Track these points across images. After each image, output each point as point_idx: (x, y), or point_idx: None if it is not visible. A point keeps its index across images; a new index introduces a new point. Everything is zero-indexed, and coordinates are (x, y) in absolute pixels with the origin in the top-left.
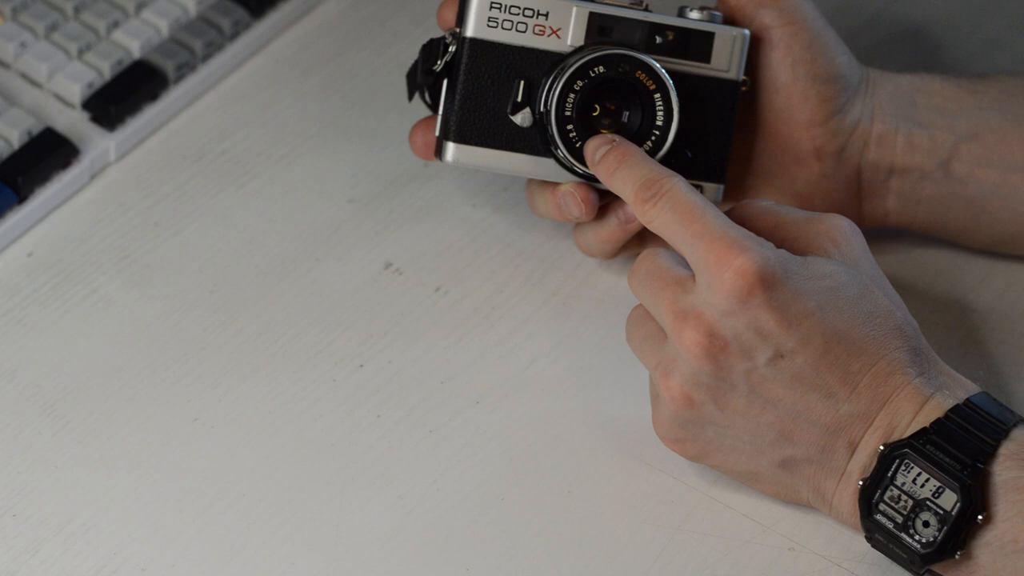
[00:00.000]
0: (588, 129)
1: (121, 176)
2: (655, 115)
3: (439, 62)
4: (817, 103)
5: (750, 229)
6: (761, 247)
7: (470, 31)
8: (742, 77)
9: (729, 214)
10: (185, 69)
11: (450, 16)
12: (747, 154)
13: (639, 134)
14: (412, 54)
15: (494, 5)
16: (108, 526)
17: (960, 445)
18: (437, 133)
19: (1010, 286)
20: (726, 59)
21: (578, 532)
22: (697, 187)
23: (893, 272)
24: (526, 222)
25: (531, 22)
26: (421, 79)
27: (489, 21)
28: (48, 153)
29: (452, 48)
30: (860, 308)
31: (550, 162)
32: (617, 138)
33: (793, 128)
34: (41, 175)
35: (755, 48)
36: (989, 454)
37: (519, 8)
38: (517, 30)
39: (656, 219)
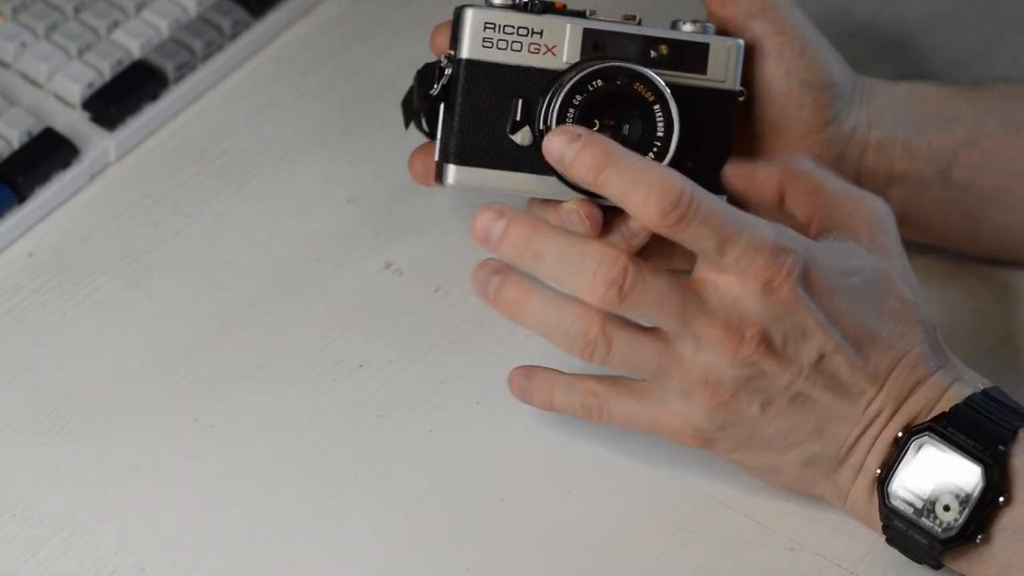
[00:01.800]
0: None
1: (121, 176)
2: (655, 126)
3: (435, 86)
4: (813, 111)
5: (788, 187)
6: (797, 243)
7: (465, 52)
8: (739, 87)
9: (769, 164)
10: (185, 69)
11: (443, 42)
12: None
13: (641, 146)
14: (412, 54)
15: (488, 26)
16: (108, 526)
17: (979, 428)
18: (436, 158)
19: (1010, 287)
20: (722, 69)
21: (578, 532)
22: None
23: None
24: None
25: (526, 41)
26: (418, 104)
27: (484, 42)
28: (48, 153)
29: (448, 71)
30: (887, 305)
31: (552, 180)
32: (583, 131)
33: (790, 138)
34: (41, 175)
35: (748, 60)
36: (1009, 438)
37: (513, 27)
38: (512, 49)
39: (687, 232)
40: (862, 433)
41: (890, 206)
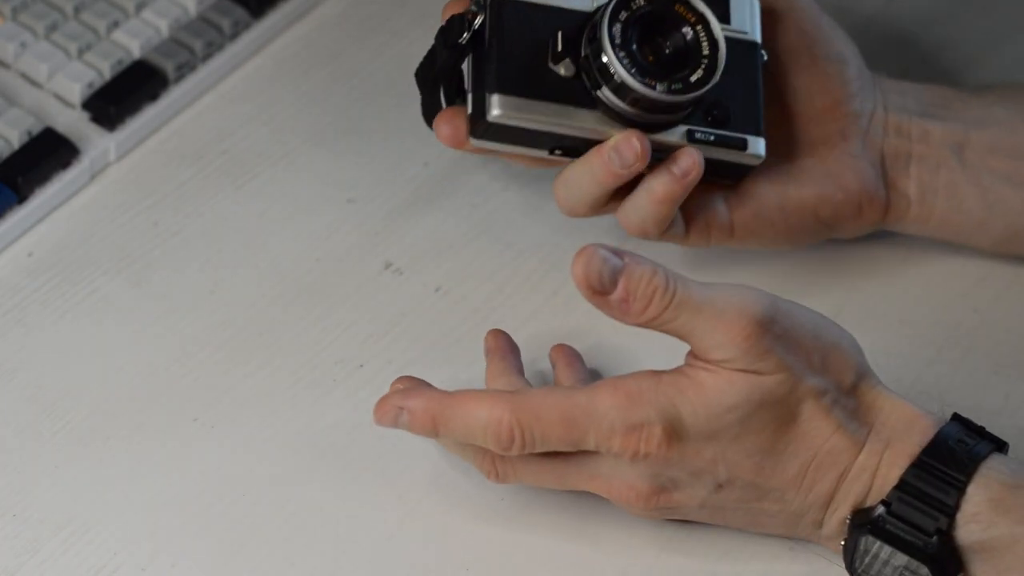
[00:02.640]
0: (637, 61)
1: (121, 176)
2: (700, 45)
3: (465, 35)
4: (837, 83)
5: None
6: (650, 411)
7: None
8: (760, 41)
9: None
10: (185, 69)
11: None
12: (776, 139)
13: (687, 62)
14: (412, 54)
15: None
16: (108, 526)
17: (920, 514)
18: (470, 109)
19: (1009, 286)
20: (743, 21)
21: (578, 532)
22: (741, 140)
23: (893, 274)
24: (526, 221)
25: None
26: (442, 58)
27: None
28: (48, 153)
29: (478, 18)
30: (778, 420)
31: (595, 114)
32: (406, 398)
33: (816, 110)
34: (41, 175)
35: (770, 34)
36: (950, 508)
37: None
38: None
39: (537, 449)
40: (798, 522)
41: (911, 187)
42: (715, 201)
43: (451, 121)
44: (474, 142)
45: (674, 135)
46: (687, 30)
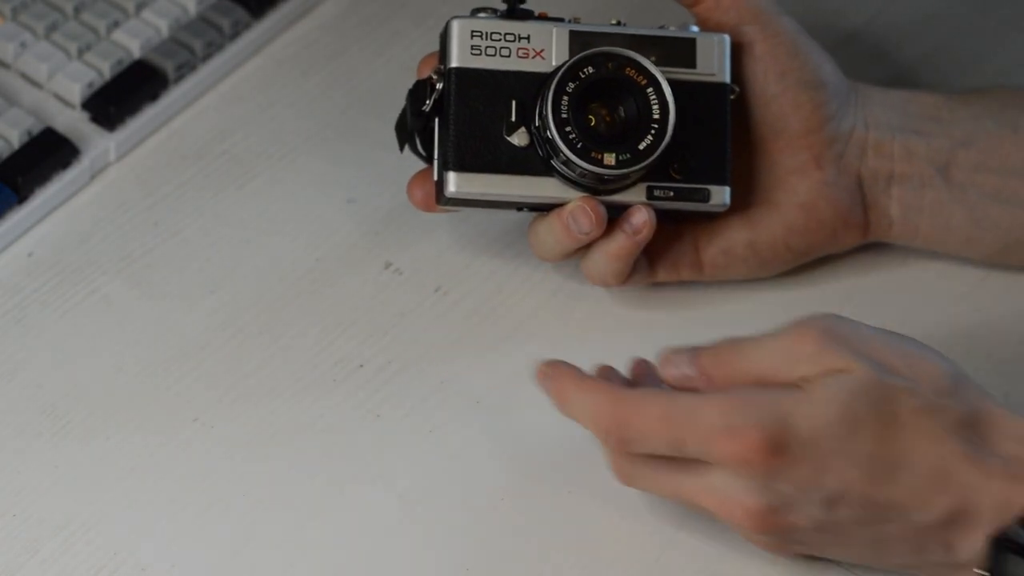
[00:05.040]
0: (587, 133)
1: (121, 176)
2: (651, 108)
3: (428, 102)
4: (810, 109)
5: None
6: (754, 415)
7: (454, 62)
8: (729, 81)
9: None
10: (185, 69)
11: (429, 71)
12: (746, 173)
13: (638, 128)
14: (412, 54)
15: (475, 34)
16: (108, 526)
17: None
18: (436, 176)
19: (1009, 286)
20: (711, 63)
21: (578, 532)
22: (704, 191)
23: (893, 274)
24: (526, 222)
25: (514, 46)
26: (411, 123)
27: (472, 50)
28: (48, 153)
29: (439, 85)
30: (880, 418)
31: (552, 181)
32: (549, 370)
33: (789, 139)
34: (41, 175)
35: (741, 64)
36: None
37: (500, 34)
38: (501, 55)
39: (638, 450)
40: (926, 543)
41: (893, 208)
42: (683, 240)
43: (423, 187)
44: (441, 207)
45: (634, 193)
46: (637, 96)
